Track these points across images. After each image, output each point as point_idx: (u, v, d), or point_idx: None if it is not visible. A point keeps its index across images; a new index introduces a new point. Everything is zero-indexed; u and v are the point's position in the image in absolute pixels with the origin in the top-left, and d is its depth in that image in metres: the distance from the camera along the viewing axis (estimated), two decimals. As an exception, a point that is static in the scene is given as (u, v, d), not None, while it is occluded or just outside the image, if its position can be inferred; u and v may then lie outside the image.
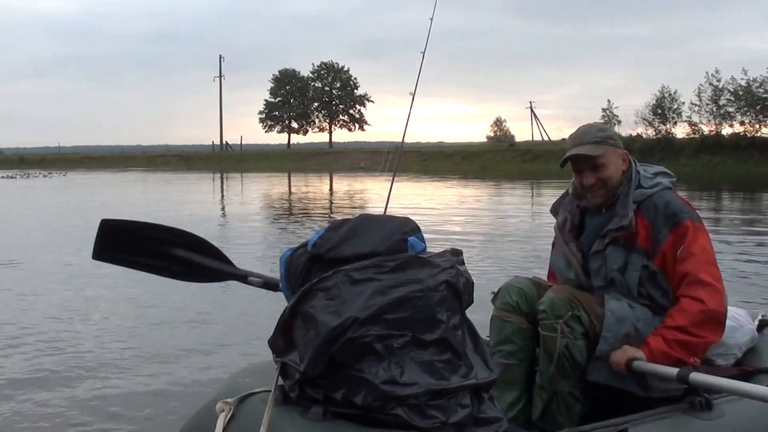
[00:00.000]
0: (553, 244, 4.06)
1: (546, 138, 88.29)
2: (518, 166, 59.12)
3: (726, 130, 58.93)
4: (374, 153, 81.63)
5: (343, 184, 41.04)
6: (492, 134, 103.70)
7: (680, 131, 61.31)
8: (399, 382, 2.59)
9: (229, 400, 2.82)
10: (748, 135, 57.23)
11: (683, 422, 3.07)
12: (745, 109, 58.37)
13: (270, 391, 2.85)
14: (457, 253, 3.02)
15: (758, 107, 57.86)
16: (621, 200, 3.69)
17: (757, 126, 58.13)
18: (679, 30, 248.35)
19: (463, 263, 3.00)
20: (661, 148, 55.10)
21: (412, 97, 5.70)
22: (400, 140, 6.04)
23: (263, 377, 3.04)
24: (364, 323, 2.62)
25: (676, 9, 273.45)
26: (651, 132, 61.01)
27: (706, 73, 62.12)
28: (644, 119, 61.60)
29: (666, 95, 61.81)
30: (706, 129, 59.79)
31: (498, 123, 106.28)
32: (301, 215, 21.17)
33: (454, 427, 2.65)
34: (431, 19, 5.81)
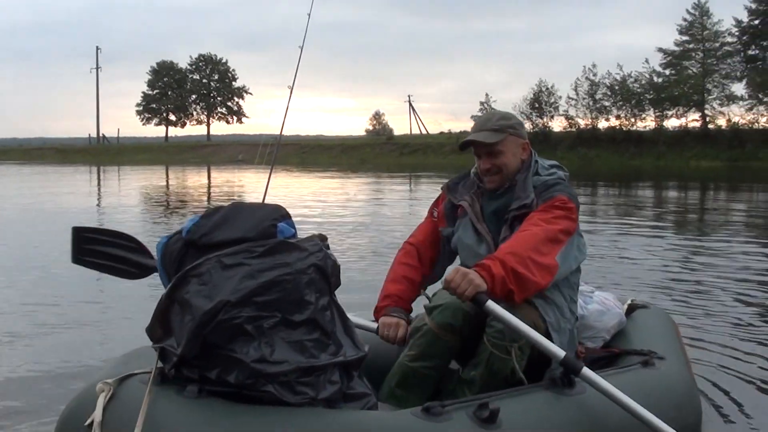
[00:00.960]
0: (433, 220, 4.21)
1: (424, 131, 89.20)
2: (396, 159, 59.68)
3: (602, 124, 60.91)
4: (252, 146, 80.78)
5: (221, 177, 40.60)
6: (371, 128, 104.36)
7: (557, 125, 63.15)
8: (269, 361, 2.72)
9: (108, 380, 2.89)
10: (624, 128, 59.14)
11: (546, 398, 3.19)
12: (621, 103, 60.11)
13: (149, 372, 2.95)
14: (323, 238, 3.16)
15: (633, 102, 59.62)
16: (520, 184, 3.84)
17: (633, 120, 60.03)
18: (557, 26, 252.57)
19: (329, 248, 3.14)
20: (539, 142, 56.10)
21: (290, 91, 5.82)
22: (279, 133, 6.13)
23: (143, 361, 3.12)
24: (235, 306, 2.74)
25: (553, 5, 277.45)
26: (528, 125, 62.23)
27: (583, 67, 63.92)
28: (522, 113, 62.68)
29: (543, 89, 63.63)
30: (582, 123, 61.49)
31: (377, 116, 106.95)
32: (179, 207, 20.93)
33: (324, 403, 2.81)
34: (309, 15, 5.95)
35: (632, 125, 59.95)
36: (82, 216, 17.24)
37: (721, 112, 58.19)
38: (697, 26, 62.19)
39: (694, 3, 62.54)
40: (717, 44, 62.14)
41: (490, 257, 3.46)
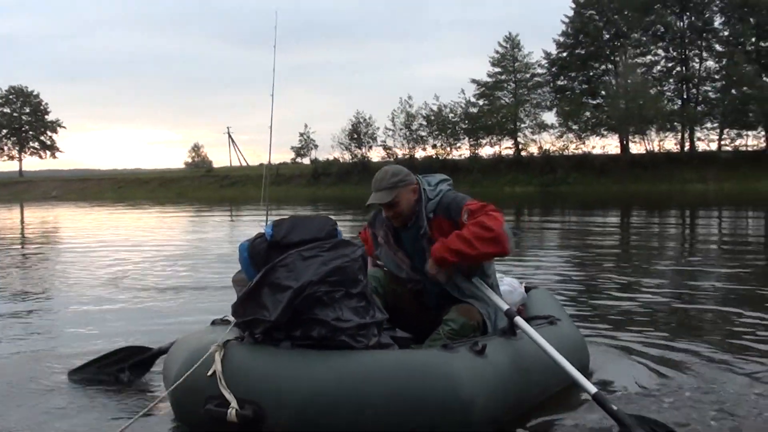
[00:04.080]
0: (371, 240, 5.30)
1: (244, 163, 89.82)
2: (217, 192, 59.79)
3: (419, 154, 62.74)
4: (67, 181, 78.72)
5: (35, 215, 37.78)
6: (190, 160, 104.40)
7: (376, 155, 64.24)
8: (342, 319, 4.01)
9: (218, 343, 4.04)
10: (440, 158, 61.13)
11: (502, 343, 4.54)
12: (437, 133, 62.24)
13: (240, 338, 4.18)
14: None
15: (448, 131, 61.84)
16: (419, 215, 4.91)
17: (448, 149, 62.24)
18: (378, 59, 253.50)
19: None
20: (358, 171, 57.66)
21: (270, 131, 6.96)
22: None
23: (220, 332, 4.28)
24: (316, 284, 3.99)
25: (374, 40, 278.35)
26: (348, 156, 63.87)
27: (400, 98, 65.81)
28: (341, 143, 64.21)
29: (361, 120, 64.91)
30: (400, 152, 63.18)
31: (196, 149, 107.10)
32: None
33: (372, 348, 4.08)
34: (273, 70, 7.05)
35: (448, 154, 62.34)
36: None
37: (533, 140, 61.58)
38: (509, 58, 65.27)
39: (506, 36, 66.00)
40: (528, 75, 65.58)
41: (442, 240, 4.69)
